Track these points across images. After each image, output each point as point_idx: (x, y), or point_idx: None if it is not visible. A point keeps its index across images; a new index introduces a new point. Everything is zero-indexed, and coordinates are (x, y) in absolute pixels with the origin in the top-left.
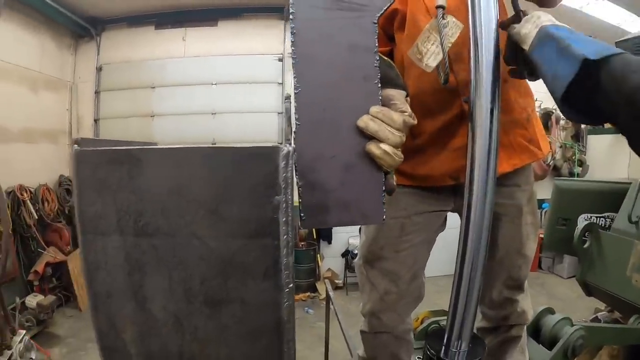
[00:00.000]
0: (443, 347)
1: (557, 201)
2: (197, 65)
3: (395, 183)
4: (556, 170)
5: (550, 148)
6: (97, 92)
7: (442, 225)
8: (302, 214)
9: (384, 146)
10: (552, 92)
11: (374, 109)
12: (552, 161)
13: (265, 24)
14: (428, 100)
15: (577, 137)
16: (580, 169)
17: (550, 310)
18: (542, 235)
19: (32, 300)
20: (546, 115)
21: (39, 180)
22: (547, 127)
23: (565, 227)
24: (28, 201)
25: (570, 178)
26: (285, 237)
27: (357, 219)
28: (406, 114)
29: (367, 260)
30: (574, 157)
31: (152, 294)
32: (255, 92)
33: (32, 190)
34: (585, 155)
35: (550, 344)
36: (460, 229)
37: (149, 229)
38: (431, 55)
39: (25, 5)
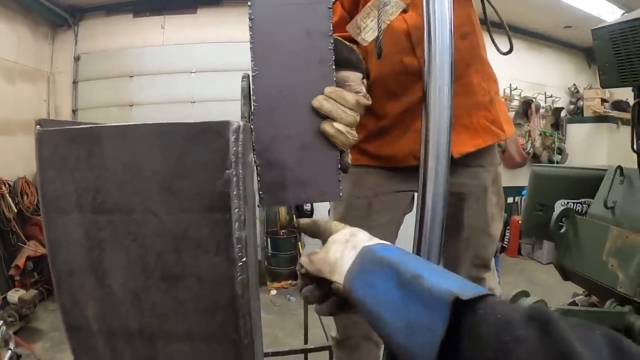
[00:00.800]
0: None
1: (534, 187)
2: (177, 54)
3: (350, 162)
4: (535, 158)
5: (530, 136)
6: (75, 82)
7: (410, 205)
8: (260, 192)
9: (337, 125)
10: (410, 348)
11: (328, 89)
12: (531, 149)
13: (244, 12)
14: (391, 83)
15: (557, 125)
16: (560, 156)
17: (525, 293)
18: (521, 222)
19: (14, 295)
20: (526, 104)
21: (17, 173)
22: (526, 116)
23: (543, 213)
24: (7, 194)
25: (548, 164)
26: (237, 210)
27: (315, 196)
28: (360, 94)
29: None
30: (553, 145)
31: (111, 270)
32: (235, 79)
33: (10, 183)
34: (564, 143)
35: None
36: (417, 208)
37: (107, 205)
38: (369, 31)
39: None
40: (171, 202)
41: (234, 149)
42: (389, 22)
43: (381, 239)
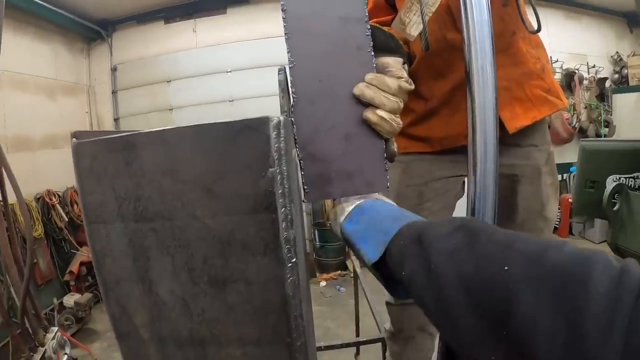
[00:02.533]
0: None
1: (583, 163)
2: (210, 55)
3: (396, 150)
4: (582, 133)
5: (575, 110)
6: (114, 92)
7: (461, 190)
8: (305, 187)
9: (380, 112)
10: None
11: (369, 76)
12: (577, 123)
13: (273, 7)
14: (436, 62)
15: (602, 97)
16: (607, 129)
17: None
18: (571, 200)
19: (70, 299)
20: (568, 76)
21: (67, 184)
22: (570, 88)
23: (594, 190)
24: (57, 205)
25: (597, 139)
26: (283, 210)
27: (361, 187)
28: (402, 79)
29: None
30: (599, 118)
31: (158, 277)
32: (270, 75)
33: (60, 194)
34: (611, 115)
35: None
36: (467, 190)
37: (148, 213)
38: (413, 25)
39: (35, 17)
40: (214, 206)
41: (276, 145)
42: (431, 15)
43: None
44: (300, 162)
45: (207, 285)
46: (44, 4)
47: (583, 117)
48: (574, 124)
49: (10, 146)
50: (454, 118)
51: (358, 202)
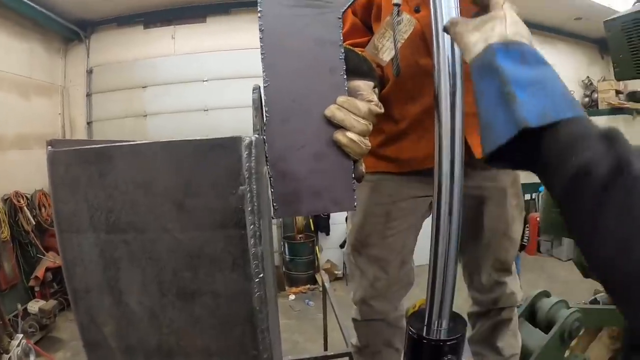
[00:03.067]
0: (424, 326)
1: None
2: (188, 63)
3: (364, 170)
4: None
5: None
6: (88, 95)
7: (428, 210)
8: (274, 204)
9: (350, 134)
10: (482, 138)
11: (340, 99)
12: None
13: (253, 19)
14: (408, 86)
15: None
16: None
17: (545, 294)
18: (539, 219)
19: (34, 305)
20: None
21: (35, 186)
22: None
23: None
24: (25, 207)
25: None
26: (252, 226)
27: (329, 206)
28: (372, 103)
29: (355, 248)
30: None
31: (128, 288)
32: (247, 86)
33: (28, 196)
34: None
35: (546, 327)
36: (432, 211)
37: (120, 224)
38: (386, 51)
39: (12, 12)
40: (185, 220)
41: (247, 164)
42: (403, 41)
43: (401, 245)
44: (270, 179)
45: (176, 297)
46: None
47: None
48: None
49: None
50: (422, 141)
51: (520, 40)
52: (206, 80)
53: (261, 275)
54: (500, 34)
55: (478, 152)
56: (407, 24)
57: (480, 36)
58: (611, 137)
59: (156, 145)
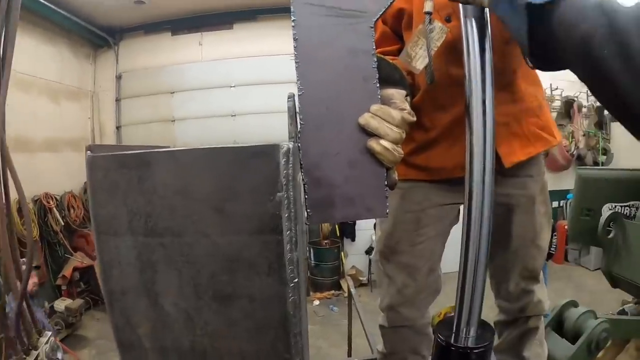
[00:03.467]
0: (452, 334)
1: (580, 191)
2: (215, 69)
3: (396, 178)
4: (580, 160)
5: (574, 137)
6: (117, 100)
7: (456, 218)
8: (308, 210)
9: (384, 142)
10: (521, 49)
11: (374, 107)
12: (575, 150)
13: (280, 25)
14: (439, 95)
15: (601, 124)
16: (605, 157)
17: (573, 303)
18: (567, 227)
19: (61, 304)
20: (567, 104)
21: (64, 188)
22: (569, 116)
23: (590, 218)
24: (54, 208)
25: (593, 167)
26: (288, 232)
27: (362, 212)
28: (405, 111)
29: (384, 255)
30: (597, 146)
31: (164, 290)
32: (274, 92)
33: (57, 197)
34: (609, 143)
35: (573, 337)
36: (463, 218)
37: (158, 228)
38: (419, 59)
39: (43, 19)
40: (223, 225)
41: (285, 171)
42: (436, 49)
43: (429, 252)
44: (305, 186)
45: (212, 300)
46: (53, 6)
47: (581, 145)
48: (572, 151)
49: (10, 146)
50: (452, 150)
51: None
52: (233, 86)
53: (296, 280)
54: None
55: (507, 161)
56: (439, 32)
57: None
58: (602, 3)
59: (196, 152)
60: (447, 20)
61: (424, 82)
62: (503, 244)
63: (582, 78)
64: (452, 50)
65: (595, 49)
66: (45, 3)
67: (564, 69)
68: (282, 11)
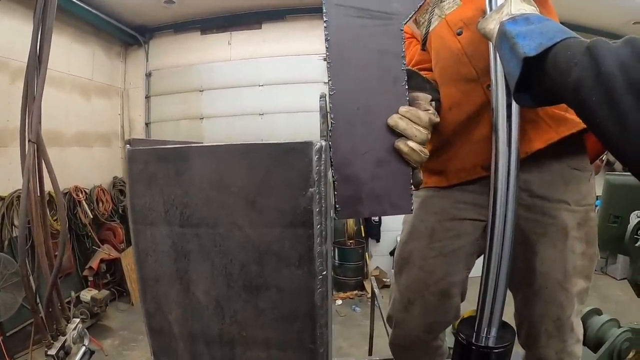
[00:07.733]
0: (474, 334)
1: (608, 197)
2: (244, 68)
3: (422, 177)
4: (609, 166)
5: None
6: (147, 97)
7: (480, 238)
8: (337, 205)
9: (411, 143)
10: (510, 89)
11: (403, 109)
12: (604, 156)
13: (308, 25)
14: (453, 92)
15: None
16: None
17: (597, 311)
18: None
19: (87, 294)
20: None
21: (94, 182)
22: None
23: (617, 225)
24: (83, 201)
25: (623, 173)
26: (318, 226)
27: (388, 209)
28: (430, 111)
29: (398, 265)
30: None
31: (196, 279)
32: (301, 91)
33: (87, 191)
34: None
35: (595, 346)
36: (488, 215)
37: (194, 219)
38: (424, 23)
39: (74, 18)
40: (256, 217)
41: (317, 167)
42: (443, 17)
43: (442, 271)
44: (334, 182)
45: (242, 290)
46: (84, 6)
47: None
48: (601, 156)
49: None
50: (469, 148)
51: (525, 12)
52: (262, 85)
53: (324, 272)
54: (507, 13)
55: (521, 151)
56: (452, 2)
57: (496, 22)
58: (591, 47)
59: (233, 147)
60: (459, 33)
61: (439, 79)
62: (526, 279)
63: (576, 113)
64: (463, 56)
65: (585, 97)
66: (78, 3)
67: (553, 104)
68: (310, 11)
